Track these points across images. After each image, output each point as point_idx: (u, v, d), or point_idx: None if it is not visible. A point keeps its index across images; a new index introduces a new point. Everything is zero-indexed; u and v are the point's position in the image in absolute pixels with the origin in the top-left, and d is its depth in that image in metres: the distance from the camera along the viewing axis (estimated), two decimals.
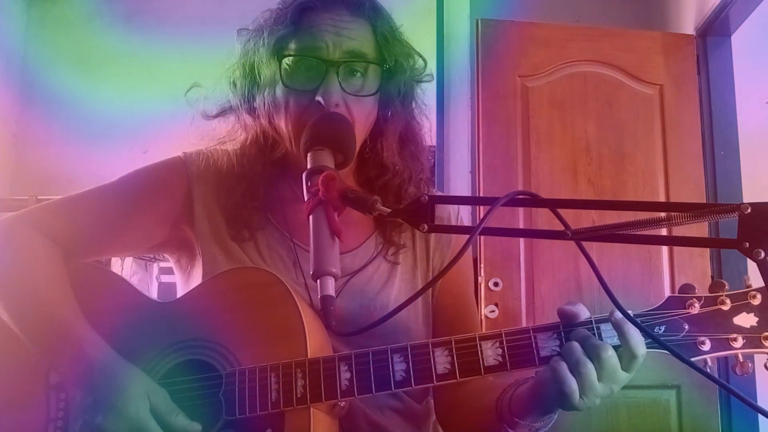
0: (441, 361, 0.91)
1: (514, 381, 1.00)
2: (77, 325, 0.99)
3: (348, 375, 0.91)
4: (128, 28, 3.41)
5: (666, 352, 0.84)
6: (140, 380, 0.95)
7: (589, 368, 0.85)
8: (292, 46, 1.05)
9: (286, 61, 1.05)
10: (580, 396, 0.85)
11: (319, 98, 1.02)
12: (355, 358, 0.92)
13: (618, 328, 0.86)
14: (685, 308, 0.88)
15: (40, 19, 3.52)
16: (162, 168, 1.15)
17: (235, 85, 1.13)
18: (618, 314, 0.85)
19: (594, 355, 0.85)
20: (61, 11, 3.51)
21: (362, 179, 1.16)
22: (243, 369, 0.95)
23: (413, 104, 1.15)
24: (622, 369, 0.86)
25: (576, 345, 0.86)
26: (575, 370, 0.85)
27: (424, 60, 1.14)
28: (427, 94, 1.19)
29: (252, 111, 1.11)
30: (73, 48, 3.40)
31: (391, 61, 1.07)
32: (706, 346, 0.87)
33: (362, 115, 1.06)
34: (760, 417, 1.38)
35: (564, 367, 0.85)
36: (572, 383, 0.85)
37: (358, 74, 1.05)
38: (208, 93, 1.15)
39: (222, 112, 1.15)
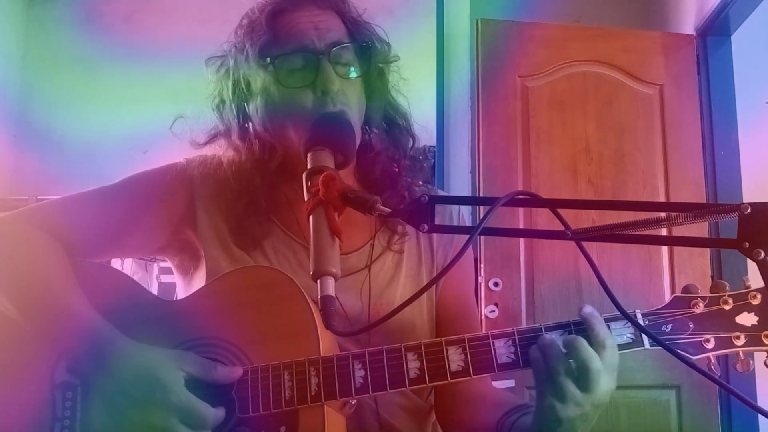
0: (455, 358, 0.92)
1: (516, 406, 1.03)
2: (83, 308, 0.99)
3: (362, 373, 0.92)
4: (128, 28, 3.41)
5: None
6: (166, 358, 0.94)
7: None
8: (279, 48, 1.07)
9: (277, 63, 1.06)
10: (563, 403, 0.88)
11: (320, 89, 1.04)
12: (369, 356, 0.93)
13: (586, 321, 0.90)
14: (690, 308, 0.91)
15: (40, 19, 3.53)
16: (165, 172, 1.15)
17: (222, 105, 1.13)
18: (587, 309, 0.90)
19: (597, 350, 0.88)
20: (61, 11, 3.51)
21: (360, 173, 1.16)
22: (256, 367, 0.95)
23: (390, 85, 1.18)
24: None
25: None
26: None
27: (388, 43, 1.17)
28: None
29: (244, 128, 1.12)
30: (73, 48, 3.40)
31: (369, 41, 1.12)
32: (711, 344, 0.90)
33: (356, 99, 1.09)
34: (760, 417, 1.38)
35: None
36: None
37: (345, 59, 1.08)
38: (193, 125, 1.16)
39: (212, 139, 1.15)
